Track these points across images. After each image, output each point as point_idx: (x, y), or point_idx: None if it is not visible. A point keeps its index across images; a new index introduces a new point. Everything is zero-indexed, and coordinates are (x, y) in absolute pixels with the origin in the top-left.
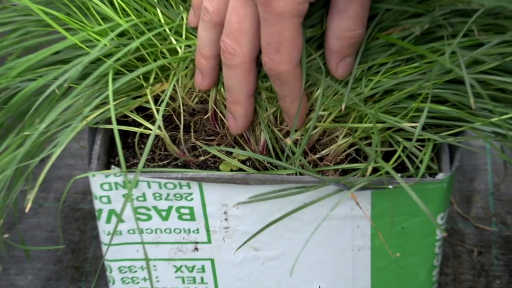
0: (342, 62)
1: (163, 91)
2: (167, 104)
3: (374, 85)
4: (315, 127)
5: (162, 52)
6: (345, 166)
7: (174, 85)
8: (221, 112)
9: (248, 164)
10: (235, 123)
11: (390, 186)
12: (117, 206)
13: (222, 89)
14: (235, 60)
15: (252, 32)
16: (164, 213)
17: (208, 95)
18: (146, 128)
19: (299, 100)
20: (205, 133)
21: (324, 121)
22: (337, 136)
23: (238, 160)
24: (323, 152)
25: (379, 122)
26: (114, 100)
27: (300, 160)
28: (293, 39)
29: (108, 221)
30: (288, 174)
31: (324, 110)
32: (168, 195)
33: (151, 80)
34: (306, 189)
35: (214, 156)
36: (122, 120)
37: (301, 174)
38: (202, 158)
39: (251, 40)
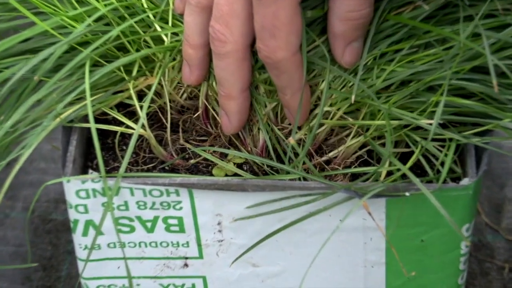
0: (348, 47)
1: (147, 86)
2: (152, 101)
3: (387, 76)
4: (321, 125)
5: (145, 41)
6: (355, 170)
7: (160, 79)
8: (214, 109)
9: (245, 168)
10: (229, 121)
11: (407, 193)
12: (96, 217)
13: (214, 83)
14: (226, 48)
15: (245, 15)
16: (149, 224)
17: (199, 90)
18: (128, 127)
19: (300, 91)
20: (195, 133)
21: (331, 118)
22: (346, 136)
23: (234, 163)
24: (330, 154)
25: (394, 119)
26: (92, 95)
27: (304, 163)
28: (290, 22)
29: (85, 233)
30: (291, 179)
31: (331, 105)
32: (153, 203)
33: (134, 73)
34: (312, 196)
35: (206, 159)
36: (101, 118)
37: (305, 179)
38: (192, 161)
39: (244, 24)
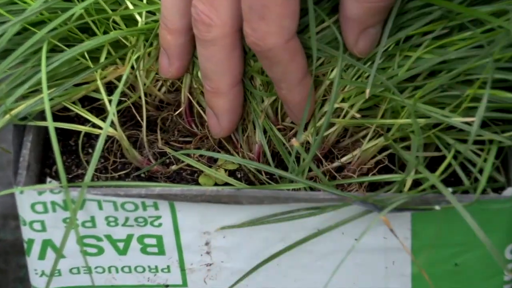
0: (363, 34)
1: (118, 77)
2: (125, 94)
3: (412, 64)
4: (331, 125)
5: (115, 22)
6: (374, 178)
7: (133, 68)
8: (200, 105)
9: (238, 176)
10: (218, 122)
11: (437, 207)
12: (55, 235)
13: (199, 74)
14: (212, 33)
15: None
16: (121, 245)
17: (181, 82)
18: (95, 126)
19: (299, 85)
20: (178, 134)
21: (344, 116)
22: (362, 137)
23: (225, 170)
24: (343, 159)
25: (421, 117)
26: (50, 87)
27: (311, 171)
28: (283, 1)
29: (42, 256)
30: (294, 190)
31: (343, 100)
32: (126, 219)
33: (102, 60)
34: (320, 210)
35: (191, 166)
36: (61, 115)
37: (312, 189)
38: (174, 167)
39: (232, 4)
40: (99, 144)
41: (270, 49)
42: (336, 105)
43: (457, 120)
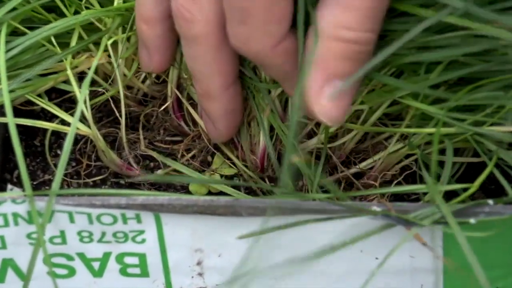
0: (327, 85)
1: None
2: (99, 86)
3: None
4: (348, 131)
5: (88, 1)
6: (398, 189)
7: (110, 56)
8: (190, 98)
9: (237, 182)
10: (214, 128)
11: (472, 220)
12: (18, 254)
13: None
14: (194, 30)
15: None
16: (96, 265)
17: (168, 74)
18: (64, 122)
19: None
20: (164, 132)
21: (364, 121)
22: (386, 139)
23: (221, 175)
24: (362, 164)
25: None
26: (10, 77)
27: (325, 176)
28: (269, 5)
29: (1, 279)
30: (303, 200)
31: (362, 102)
32: (103, 234)
33: (72, 46)
34: (334, 222)
35: (180, 171)
36: (25, 109)
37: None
38: (160, 172)
39: None
40: (67, 144)
41: (256, 54)
42: (354, 107)
43: (494, 130)
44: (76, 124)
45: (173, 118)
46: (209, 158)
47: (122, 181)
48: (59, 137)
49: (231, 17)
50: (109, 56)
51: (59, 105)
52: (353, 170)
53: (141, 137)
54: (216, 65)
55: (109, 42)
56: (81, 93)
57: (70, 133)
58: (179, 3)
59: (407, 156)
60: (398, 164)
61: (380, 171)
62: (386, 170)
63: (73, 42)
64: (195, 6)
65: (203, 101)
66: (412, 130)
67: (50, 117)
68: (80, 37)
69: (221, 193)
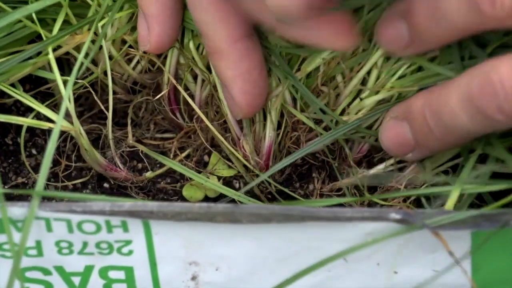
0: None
1: (77, 47)
2: (85, 72)
3: None
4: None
5: None
6: (426, 191)
7: (95, 35)
8: (187, 89)
9: (237, 185)
10: (232, 99)
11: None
12: None
13: (191, 44)
14: None
15: None
16: (76, 280)
17: (166, 58)
18: (40, 117)
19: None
20: (154, 128)
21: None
22: None
23: (219, 178)
24: (379, 167)
25: None
26: None
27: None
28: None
29: None
30: (311, 206)
31: (380, 90)
32: (85, 245)
33: (56, 27)
34: (344, 225)
35: (172, 171)
36: None
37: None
38: (149, 174)
39: None
40: (52, 143)
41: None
42: (378, 97)
43: None
44: (61, 120)
45: (167, 110)
46: (206, 158)
47: (106, 184)
48: (33, 134)
49: None
50: (95, 34)
51: (34, 96)
52: (374, 170)
53: (129, 128)
54: (219, 12)
55: (97, 22)
56: (70, 82)
57: (56, 130)
58: None
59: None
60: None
61: (410, 172)
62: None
63: (58, 23)
64: None
65: (213, 60)
66: None
67: (24, 112)
68: (64, 14)
69: (219, 198)
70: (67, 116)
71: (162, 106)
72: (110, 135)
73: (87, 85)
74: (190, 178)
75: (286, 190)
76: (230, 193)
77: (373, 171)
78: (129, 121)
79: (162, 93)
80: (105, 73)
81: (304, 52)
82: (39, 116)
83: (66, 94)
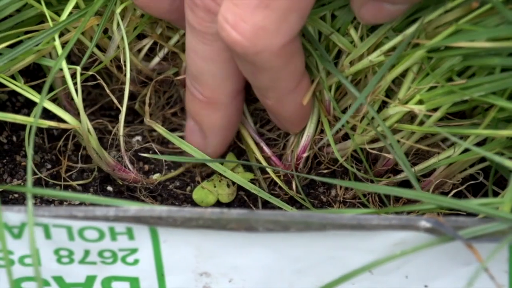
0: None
1: (85, 32)
2: (92, 61)
3: None
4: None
5: None
6: (459, 203)
7: (112, 16)
8: None
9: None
10: (203, 141)
11: None
12: None
13: None
14: (214, 29)
15: None
16: None
17: (181, 44)
18: (29, 112)
19: (292, 94)
20: (164, 123)
21: (422, 122)
22: (443, 140)
23: (233, 183)
24: (419, 167)
25: None
26: None
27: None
28: None
29: None
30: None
31: (420, 102)
32: (86, 253)
33: (66, 12)
34: (369, 235)
35: (182, 175)
36: None
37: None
38: (157, 176)
39: None
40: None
41: (258, 53)
42: (405, 108)
43: None
44: (69, 116)
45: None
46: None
47: (109, 188)
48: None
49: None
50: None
51: (34, 88)
52: (402, 175)
53: (147, 108)
54: (232, 67)
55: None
56: (78, 71)
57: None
58: None
59: (472, 165)
60: (461, 173)
61: (443, 176)
62: (448, 178)
63: (70, 6)
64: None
65: (201, 109)
66: (487, 132)
67: (20, 107)
68: None
69: (232, 204)
70: (68, 111)
71: (178, 91)
72: (121, 132)
73: (96, 75)
74: (200, 181)
75: (301, 198)
76: (249, 186)
77: (401, 175)
78: (147, 101)
79: (181, 76)
80: (113, 62)
81: None
82: (29, 111)
83: (74, 85)
